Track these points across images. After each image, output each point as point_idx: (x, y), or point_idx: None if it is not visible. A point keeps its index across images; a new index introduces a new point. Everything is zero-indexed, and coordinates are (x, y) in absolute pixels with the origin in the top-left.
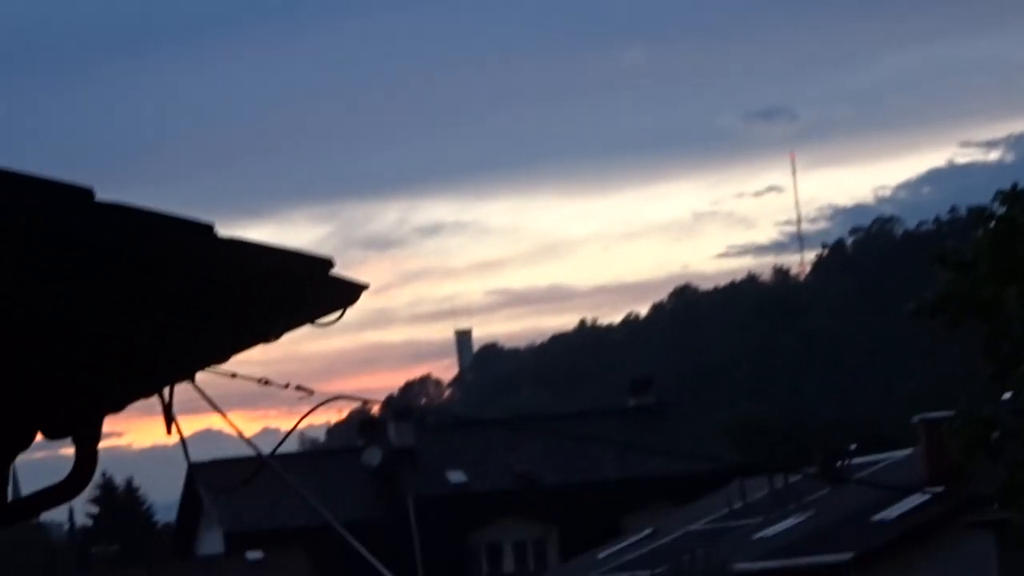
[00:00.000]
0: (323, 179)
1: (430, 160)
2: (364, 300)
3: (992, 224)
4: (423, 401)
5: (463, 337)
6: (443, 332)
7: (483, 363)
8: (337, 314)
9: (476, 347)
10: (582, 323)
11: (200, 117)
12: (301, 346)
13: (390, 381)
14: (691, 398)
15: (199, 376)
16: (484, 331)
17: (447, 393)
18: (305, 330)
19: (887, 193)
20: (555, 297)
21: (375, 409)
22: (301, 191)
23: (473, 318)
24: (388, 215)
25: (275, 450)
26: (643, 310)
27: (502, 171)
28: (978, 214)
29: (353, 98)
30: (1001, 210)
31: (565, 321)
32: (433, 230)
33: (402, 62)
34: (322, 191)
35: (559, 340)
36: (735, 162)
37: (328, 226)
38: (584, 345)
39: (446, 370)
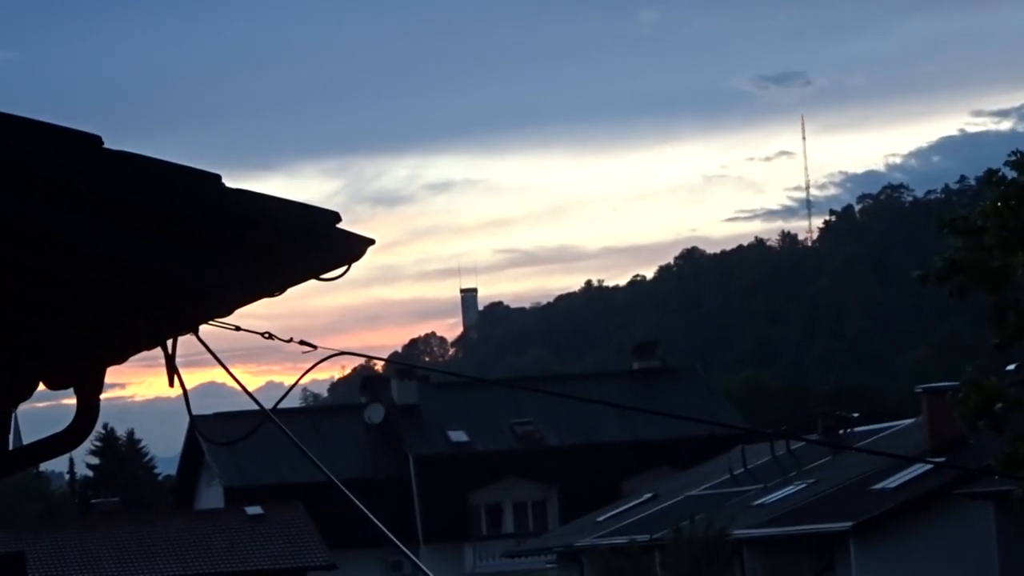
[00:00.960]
0: (333, 133)
1: (442, 117)
2: (370, 256)
3: (1002, 189)
4: (427, 359)
5: (469, 296)
6: (449, 290)
7: (488, 322)
8: (342, 269)
9: (481, 306)
10: (588, 284)
11: (210, 69)
12: (305, 301)
13: (395, 338)
14: (696, 362)
15: (202, 328)
16: (490, 290)
17: (451, 352)
18: (310, 284)
19: (898, 161)
20: (563, 257)
21: (379, 366)
22: (311, 145)
23: (479, 277)
24: (398, 171)
25: (277, 405)
26: (650, 273)
27: (513, 130)
28: (988, 178)
29: (365, 53)
30: (1012, 174)
31: (572, 282)
32: (443, 187)
33: (414, 18)
34: (332, 145)
35: (565, 301)
36: (747, 126)
37: (337, 181)
38: (590, 306)
39: (451, 329)
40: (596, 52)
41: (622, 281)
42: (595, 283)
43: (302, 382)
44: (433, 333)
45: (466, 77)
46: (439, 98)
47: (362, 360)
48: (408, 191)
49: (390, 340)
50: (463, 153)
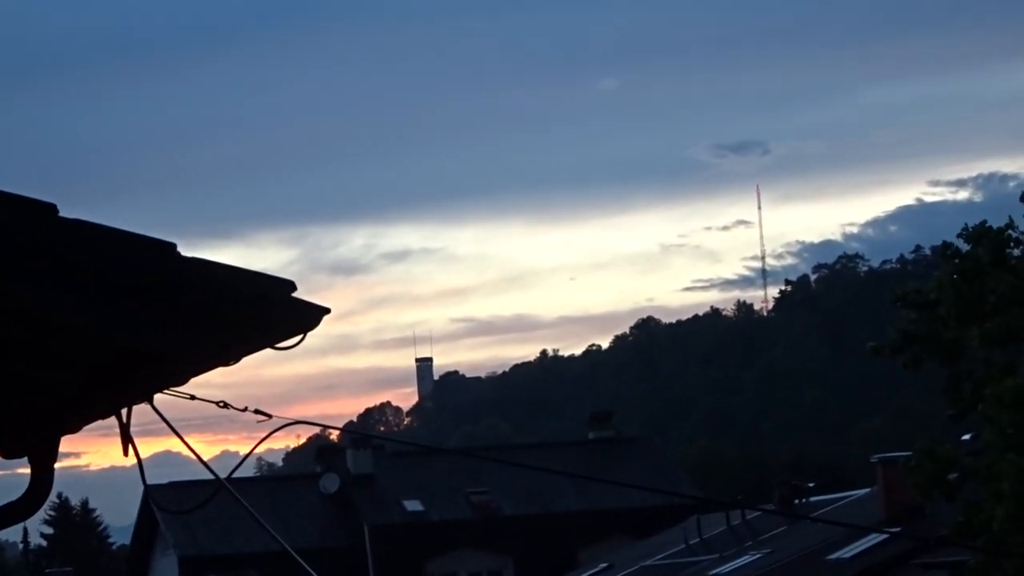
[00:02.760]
0: (291, 202)
1: (399, 186)
2: (326, 325)
3: (956, 261)
4: (382, 428)
5: (424, 365)
6: (405, 359)
7: (443, 391)
8: (298, 338)
9: (437, 375)
10: (544, 354)
11: (167, 137)
12: (261, 370)
13: (350, 407)
14: (651, 431)
15: (157, 397)
16: (446, 359)
17: (406, 421)
18: (266, 353)
19: (855, 230)
20: (518, 327)
21: (334, 435)
22: (268, 214)
23: (435, 346)
24: (355, 240)
25: (231, 474)
26: (605, 342)
27: (470, 199)
28: (943, 250)
29: (323, 122)
30: (966, 247)
31: (527, 351)
32: (399, 256)
33: (372, 88)
34: (289, 214)
35: (521, 370)
36: (704, 195)
37: (294, 250)
38: (545, 376)
39: (406, 398)
40: (554, 121)
41: (578, 351)
42: (551, 352)
43: (257, 451)
44: (388, 402)
45: (423, 146)
46: (396, 166)
47: (317, 429)
48: (365, 260)
49: (345, 409)
50: (420, 222)
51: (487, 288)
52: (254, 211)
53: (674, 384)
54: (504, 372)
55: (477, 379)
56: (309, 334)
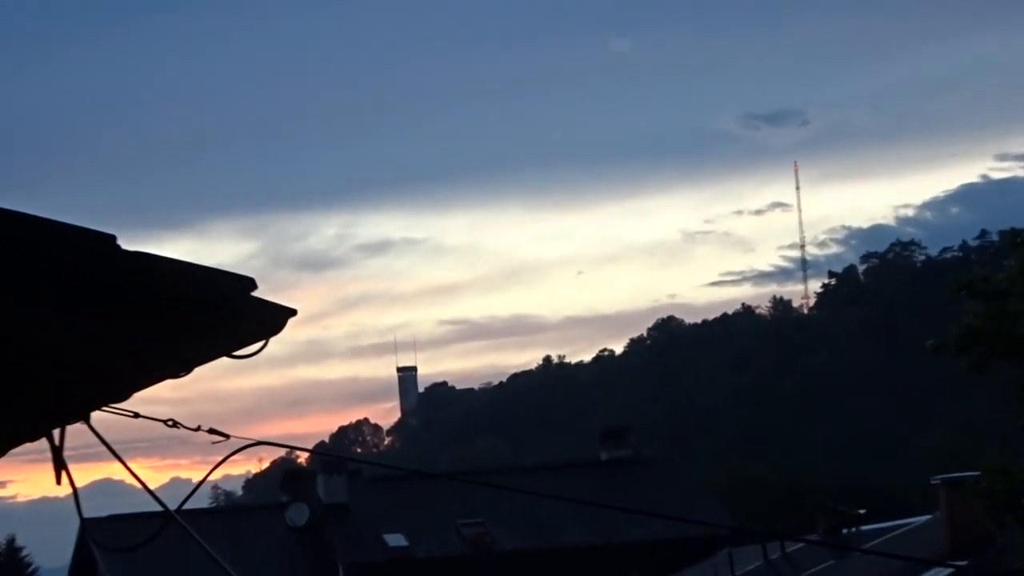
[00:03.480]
0: (251, 188)
1: (377, 167)
2: (293, 329)
3: None
4: (358, 450)
5: (407, 375)
6: (385, 369)
7: (430, 406)
8: (259, 345)
9: (422, 387)
10: (548, 361)
11: (102, 111)
12: (217, 383)
13: (321, 426)
14: (674, 450)
15: (95, 416)
16: (432, 368)
17: (387, 441)
18: (222, 363)
19: (910, 213)
20: (518, 330)
21: (302, 458)
22: (224, 201)
23: (420, 353)
24: (326, 230)
25: (183, 504)
26: (619, 347)
27: (461, 181)
28: (1013, 236)
29: (287, 93)
30: None
31: (528, 358)
32: (378, 249)
33: (344, 52)
34: (249, 201)
35: (520, 380)
36: (734, 174)
37: (255, 242)
38: (549, 387)
39: (387, 414)
40: (558, 88)
41: (587, 357)
42: (555, 359)
43: (213, 478)
44: (366, 419)
45: (405, 119)
46: (374, 144)
47: (283, 452)
48: (338, 253)
49: (316, 428)
50: (402, 209)
51: (481, 285)
52: (207, 197)
53: (700, 395)
54: (501, 383)
55: (469, 391)
56: (272, 340)
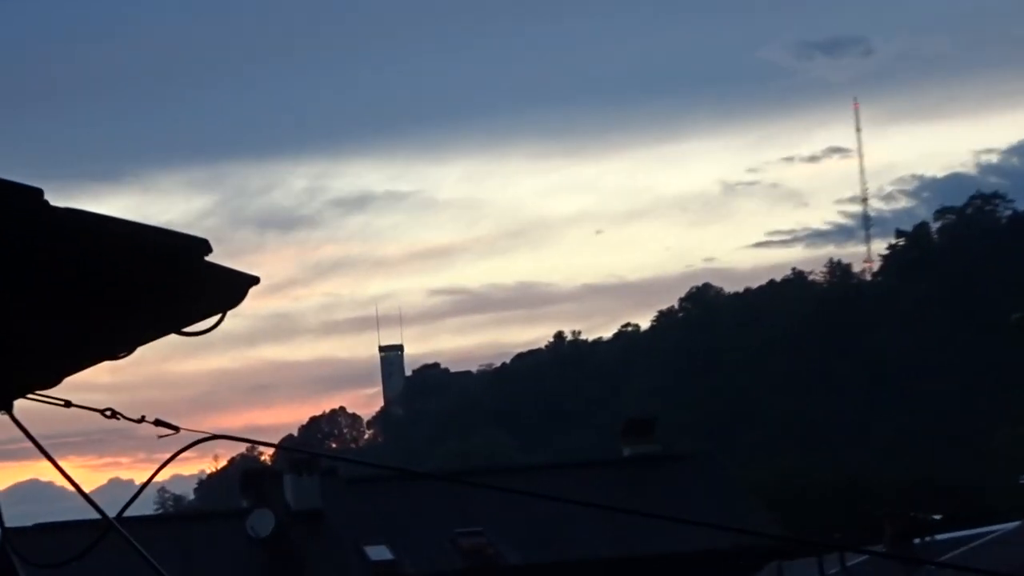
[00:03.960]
0: (204, 133)
1: (355, 107)
2: (255, 301)
3: None
4: (334, 445)
5: (392, 355)
6: (365, 348)
7: (419, 392)
8: (214, 320)
9: (410, 370)
10: (560, 338)
11: (25, 44)
12: (165, 365)
13: (289, 416)
14: (710, 445)
15: (18, 405)
16: (422, 347)
17: (368, 434)
18: (170, 342)
19: (993, 160)
20: (525, 300)
21: (266, 456)
22: (173, 148)
23: (408, 329)
24: (294, 183)
25: (123, 510)
26: (645, 321)
27: (456, 122)
28: None
29: (247, 20)
30: None
31: (537, 335)
32: (357, 204)
33: None
34: (202, 148)
35: (528, 361)
36: (784, 113)
37: (209, 196)
38: (562, 369)
39: (368, 402)
40: (573, 12)
41: (607, 333)
42: (569, 336)
43: (159, 479)
44: (342, 409)
45: (390, 50)
46: (351, 79)
47: (243, 447)
48: (309, 210)
49: (283, 419)
50: (385, 156)
51: (480, 247)
52: (152, 144)
53: (741, 378)
54: (504, 364)
55: (466, 374)
56: (230, 314)
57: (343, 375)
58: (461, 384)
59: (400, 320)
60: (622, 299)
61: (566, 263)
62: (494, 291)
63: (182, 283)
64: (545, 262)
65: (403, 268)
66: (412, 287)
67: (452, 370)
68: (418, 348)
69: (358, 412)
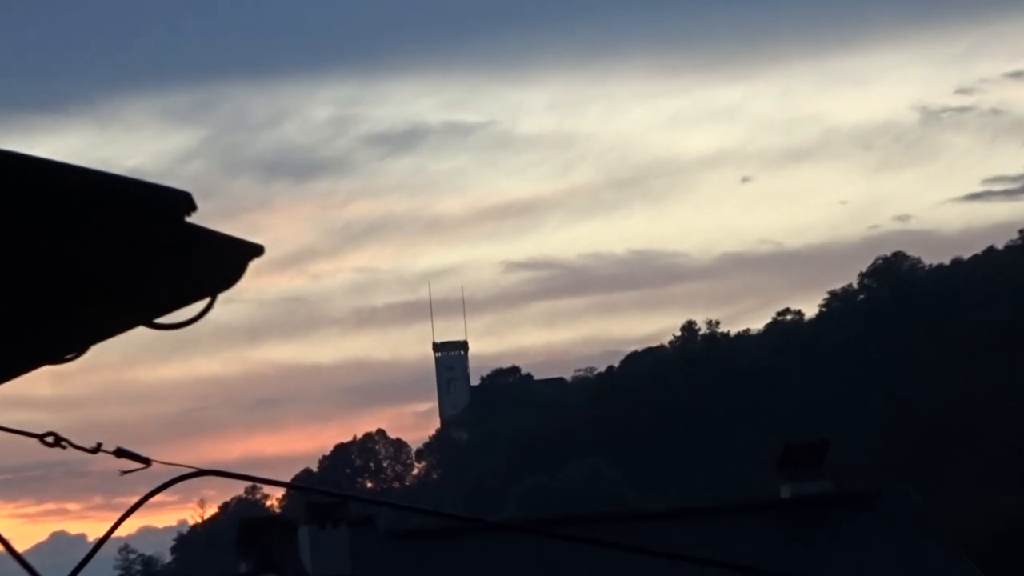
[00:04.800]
0: (183, 46)
1: (395, 5)
2: (259, 280)
3: None
4: (369, 485)
5: (451, 357)
6: (414, 345)
7: (489, 408)
8: (199, 307)
9: (477, 376)
10: (690, 331)
11: None
12: (128, 373)
13: (305, 443)
14: (902, 478)
15: None
16: (494, 345)
17: (418, 467)
18: (137, 338)
19: None
20: (640, 278)
21: (273, 499)
22: (141, 69)
23: (475, 320)
24: (312, 112)
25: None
26: (810, 307)
27: (542, 27)
28: None
29: None
30: None
31: (657, 326)
32: (402, 143)
33: None
34: (181, 67)
35: (644, 363)
36: (1007, 11)
37: (192, 132)
38: (692, 374)
39: (417, 422)
40: None
41: (756, 323)
42: (703, 328)
43: (123, 531)
44: (381, 432)
45: None
46: None
47: (241, 488)
48: (334, 150)
49: (297, 447)
50: (442, 75)
51: (575, 202)
52: (111, 60)
53: (945, 386)
54: (610, 369)
55: (556, 383)
56: (223, 298)
57: (383, 385)
58: (549, 396)
59: (463, 307)
60: (778, 275)
61: (698, 224)
62: (597, 265)
63: (154, 255)
64: (668, 223)
65: (468, 232)
66: (481, 259)
67: (536, 376)
68: (489, 346)
69: (404, 437)
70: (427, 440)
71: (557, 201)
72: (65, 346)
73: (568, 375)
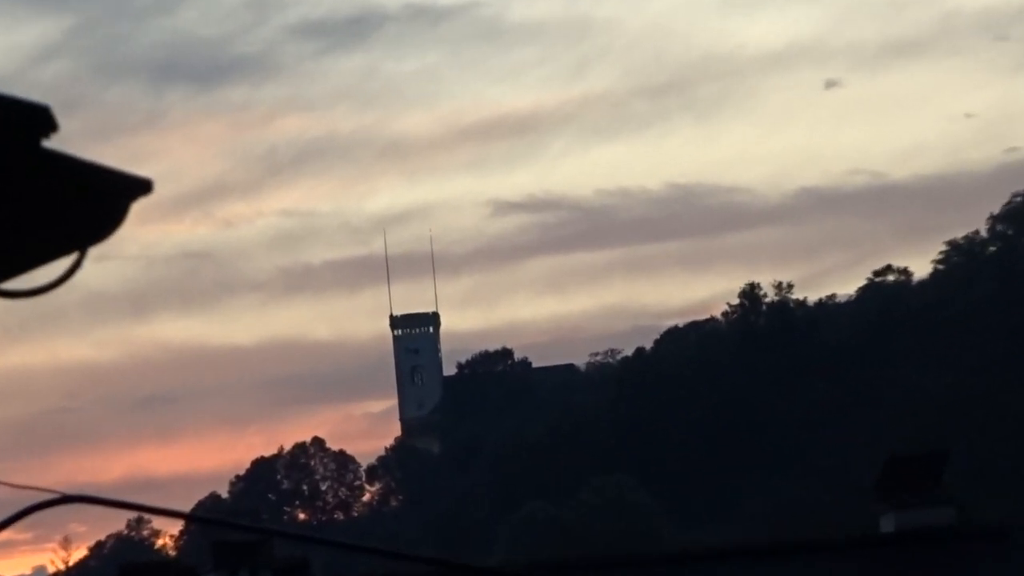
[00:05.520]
0: None
1: None
2: (146, 227)
3: None
4: (301, 516)
5: (414, 333)
6: (363, 318)
7: (470, 404)
8: (63, 267)
9: (451, 361)
10: (751, 296)
11: None
12: None
13: (212, 457)
14: None
15: None
16: (474, 318)
17: (371, 490)
18: None
19: None
20: (682, 221)
21: (164, 539)
22: None
23: (447, 281)
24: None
25: None
26: (920, 262)
27: None
28: None
29: None
30: None
31: (706, 291)
32: (344, 33)
33: None
34: None
35: (686, 342)
36: None
37: (53, 19)
38: (755, 354)
39: (369, 427)
40: None
41: (845, 286)
42: (770, 292)
43: None
44: (318, 442)
45: None
46: None
47: (122, 519)
48: (248, 44)
49: (201, 462)
50: None
51: (591, 119)
52: None
53: None
54: (642, 351)
55: (564, 371)
56: (96, 253)
57: (322, 375)
58: (554, 388)
59: (432, 266)
60: (876, 219)
61: (764, 148)
62: (622, 205)
63: (7, 193)
64: (722, 147)
65: (439, 160)
66: (458, 198)
67: (537, 363)
68: (469, 321)
69: (350, 448)
70: (383, 453)
71: (565, 116)
72: None
73: (581, 361)
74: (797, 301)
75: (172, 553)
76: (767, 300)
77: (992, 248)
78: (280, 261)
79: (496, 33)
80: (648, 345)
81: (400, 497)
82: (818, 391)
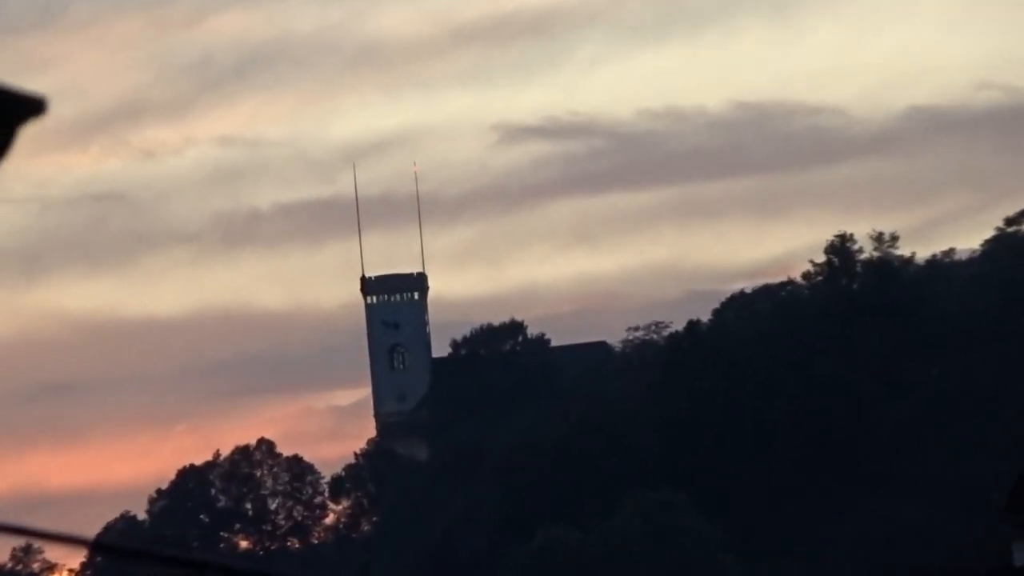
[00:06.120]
0: None
1: None
2: (44, 159)
3: None
4: (243, 544)
5: (394, 301)
6: (328, 280)
7: (468, 395)
8: None
9: (443, 338)
10: (842, 250)
11: None
12: None
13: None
14: None
15: None
16: (472, 280)
17: (334, 511)
18: None
19: None
20: (749, 149)
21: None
22: None
23: (437, 231)
24: None
25: None
26: None
27: None
28: None
29: None
30: None
31: (783, 243)
32: None
33: None
34: None
35: (755, 312)
36: None
37: None
38: (846, 327)
39: (334, 425)
40: None
41: (969, 239)
42: (868, 247)
43: None
44: (267, 445)
45: None
46: None
47: (7, 548)
48: None
49: (113, 472)
50: None
51: (630, 14)
52: None
53: None
54: (695, 324)
55: (595, 349)
56: None
57: (272, 357)
58: (580, 374)
59: (418, 210)
60: (1008, 148)
61: (858, 55)
62: (671, 130)
63: None
64: (803, 51)
65: (429, 70)
66: (454, 120)
67: (557, 341)
68: (466, 284)
69: (309, 454)
70: (351, 460)
71: (596, 11)
72: None
73: (616, 339)
74: (903, 258)
75: None
76: (862, 257)
77: None
78: (217, 205)
79: None
80: (705, 317)
81: (374, 519)
82: (930, 381)
